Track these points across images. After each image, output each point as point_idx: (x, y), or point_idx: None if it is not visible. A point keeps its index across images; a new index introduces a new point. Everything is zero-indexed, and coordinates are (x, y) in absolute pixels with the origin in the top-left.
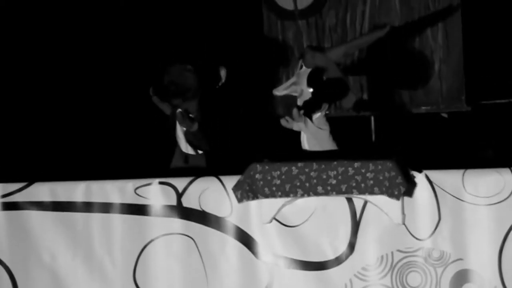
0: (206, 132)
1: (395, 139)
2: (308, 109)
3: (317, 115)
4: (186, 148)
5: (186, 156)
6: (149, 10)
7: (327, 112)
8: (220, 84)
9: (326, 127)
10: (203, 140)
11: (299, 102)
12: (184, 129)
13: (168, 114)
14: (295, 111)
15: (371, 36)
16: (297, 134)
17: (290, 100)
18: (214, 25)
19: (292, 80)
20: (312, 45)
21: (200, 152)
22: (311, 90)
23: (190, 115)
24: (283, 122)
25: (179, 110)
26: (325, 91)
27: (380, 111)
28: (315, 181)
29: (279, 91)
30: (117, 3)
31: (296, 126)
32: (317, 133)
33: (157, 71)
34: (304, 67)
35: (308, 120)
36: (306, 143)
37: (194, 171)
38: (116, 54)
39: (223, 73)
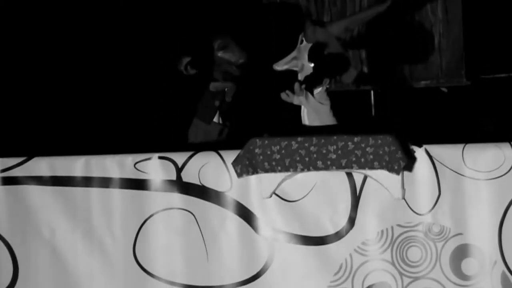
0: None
1: (395, 113)
2: (309, 83)
3: (318, 90)
4: (218, 120)
5: (222, 129)
6: None
7: (327, 86)
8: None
9: (327, 102)
10: (230, 112)
11: (300, 77)
12: (218, 102)
13: (213, 91)
14: (296, 85)
15: (372, 10)
16: (297, 108)
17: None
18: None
19: (293, 54)
20: (314, 20)
21: (227, 123)
22: (312, 65)
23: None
24: (283, 96)
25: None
26: (326, 66)
27: (380, 85)
28: (315, 155)
29: (280, 66)
30: None
31: (296, 100)
32: (317, 108)
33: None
34: (305, 42)
35: (309, 94)
36: (307, 118)
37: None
38: (116, 35)
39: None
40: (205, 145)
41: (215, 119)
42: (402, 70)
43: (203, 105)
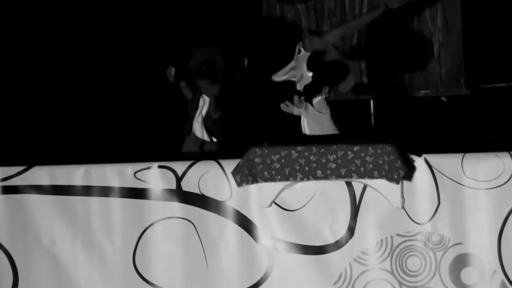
0: (224, 119)
1: (394, 123)
2: (309, 93)
3: (317, 99)
4: (202, 134)
5: (202, 143)
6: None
7: (327, 95)
8: (239, 74)
9: (326, 111)
10: (219, 126)
11: (299, 87)
12: (203, 115)
13: (189, 99)
14: (296, 97)
15: (367, 16)
16: (298, 118)
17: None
18: (212, 10)
19: (291, 65)
20: (310, 29)
21: (214, 139)
22: (310, 74)
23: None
24: (283, 106)
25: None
26: (325, 74)
27: (380, 94)
28: (314, 165)
29: (278, 77)
30: None
31: (296, 110)
32: (317, 118)
33: (166, 55)
34: (302, 52)
35: (309, 105)
36: (307, 128)
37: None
38: (116, 41)
39: (245, 63)
40: (204, 154)
41: (198, 134)
42: (401, 79)
43: (187, 117)
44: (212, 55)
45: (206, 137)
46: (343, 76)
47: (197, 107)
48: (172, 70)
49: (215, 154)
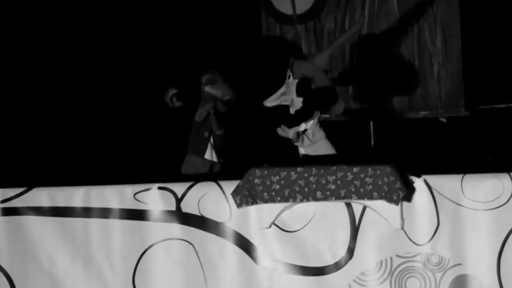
0: (226, 138)
1: (394, 144)
2: (300, 117)
3: (309, 123)
4: (211, 155)
5: (212, 165)
6: (148, 12)
7: (320, 119)
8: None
9: (321, 134)
10: (223, 144)
11: (292, 111)
12: (211, 136)
13: (199, 121)
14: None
15: (349, 32)
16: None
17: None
18: (211, 31)
19: (282, 90)
20: (298, 55)
21: (221, 160)
22: (301, 99)
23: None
24: (279, 131)
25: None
26: (315, 99)
27: (375, 117)
28: (314, 186)
29: (270, 102)
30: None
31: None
32: (314, 147)
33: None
34: (292, 77)
35: (305, 138)
36: (304, 153)
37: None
38: (116, 63)
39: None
40: (203, 175)
41: (208, 156)
42: (400, 100)
43: (193, 139)
44: (225, 83)
45: (215, 158)
46: (332, 101)
47: (209, 127)
48: (173, 92)
49: (215, 175)
